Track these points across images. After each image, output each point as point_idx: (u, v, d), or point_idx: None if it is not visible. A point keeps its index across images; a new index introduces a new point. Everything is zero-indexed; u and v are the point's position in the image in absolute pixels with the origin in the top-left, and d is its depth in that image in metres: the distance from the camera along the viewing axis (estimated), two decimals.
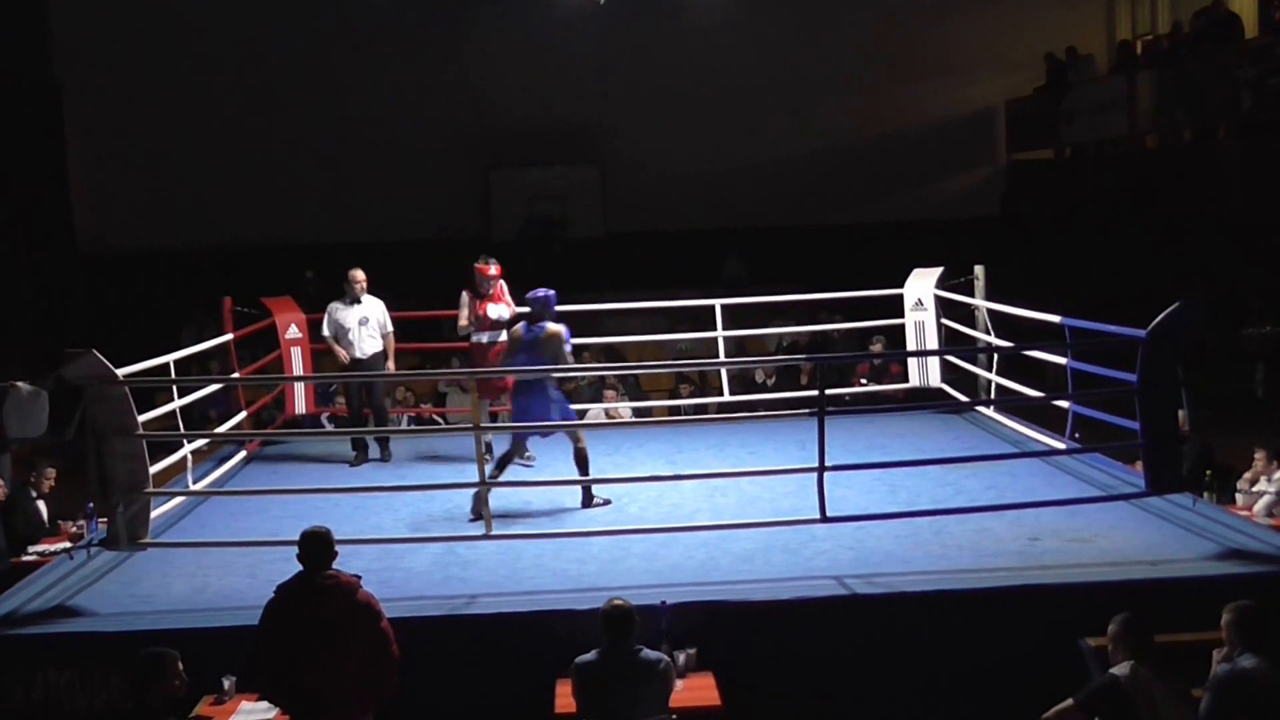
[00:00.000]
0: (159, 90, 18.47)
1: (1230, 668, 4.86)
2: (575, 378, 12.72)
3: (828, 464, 6.78)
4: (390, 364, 9.74)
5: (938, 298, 10.44)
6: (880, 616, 6.20)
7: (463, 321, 9.37)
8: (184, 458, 8.24)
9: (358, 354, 9.50)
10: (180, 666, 5.04)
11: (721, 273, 18.12)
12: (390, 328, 9.72)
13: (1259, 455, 8.63)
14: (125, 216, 18.32)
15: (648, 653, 5.30)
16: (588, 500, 8.06)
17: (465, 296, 9.36)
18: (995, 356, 9.94)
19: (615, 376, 12.09)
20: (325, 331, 9.62)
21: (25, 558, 8.42)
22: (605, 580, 6.47)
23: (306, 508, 7.86)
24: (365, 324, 9.55)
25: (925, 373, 10.72)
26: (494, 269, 9.33)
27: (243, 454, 9.73)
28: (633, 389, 12.70)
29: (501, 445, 8.54)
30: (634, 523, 7.64)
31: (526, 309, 8.31)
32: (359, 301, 9.59)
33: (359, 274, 9.67)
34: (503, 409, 9.24)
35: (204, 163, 18.61)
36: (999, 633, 6.14)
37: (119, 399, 6.67)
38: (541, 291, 8.18)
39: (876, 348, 11.91)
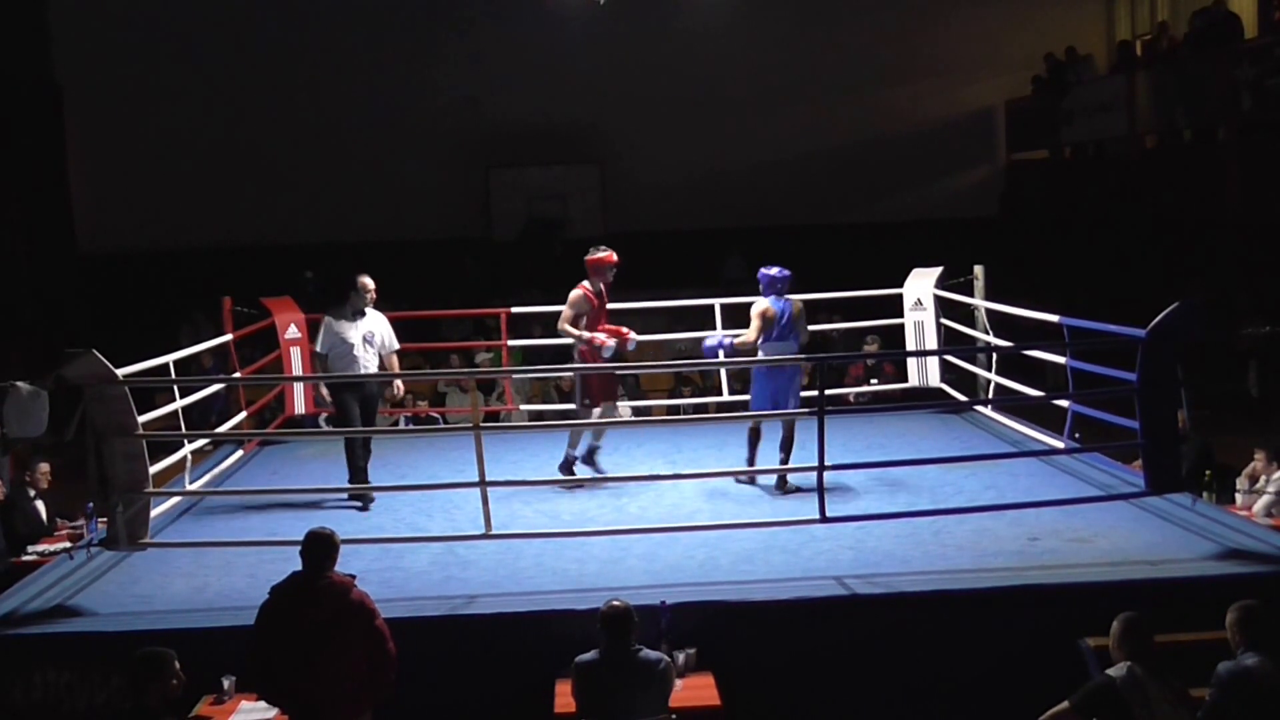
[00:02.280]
0: (158, 91, 18.47)
1: (1233, 665, 4.88)
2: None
3: (827, 463, 6.78)
4: (397, 385, 8.78)
5: (937, 297, 10.44)
6: (880, 616, 6.20)
7: (577, 331, 8.24)
8: (184, 458, 8.24)
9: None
10: (177, 665, 5.04)
11: (721, 273, 18.12)
12: (396, 345, 8.59)
13: (1259, 455, 8.62)
14: (125, 216, 18.31)
15: (647, 653, 5.31)
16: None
17: (581, 293, 8.30)
18: (995, 356, 9.94)
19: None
20: (320, 348, 8.33)
21: (25, 558, 8.42)
22: (605, 580, 6.47)
23: (305, 507, 7.87)
24: (370, 341, 8.34)
25: (925, 373, 10.72)
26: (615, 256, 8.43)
27: (241, 453, 9.73)
28: (632, 389, 12.69)
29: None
30: (634, 523, 7.64)
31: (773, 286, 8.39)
32: (363, 315, 8.34)
33: (370, 282, 8.32)
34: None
35: (204, 163, 18.61)
36: (999, 633, 6.14)
37: (119, 399, 6.67)
38: (784, 270, 8.42)
39: (872, 348, 11.91)
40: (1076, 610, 6.01)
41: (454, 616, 6.19)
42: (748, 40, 19.13)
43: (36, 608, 6.48)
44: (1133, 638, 4.96)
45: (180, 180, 18.57)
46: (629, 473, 8.71)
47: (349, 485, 8.28)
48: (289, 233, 18.34)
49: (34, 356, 13.59)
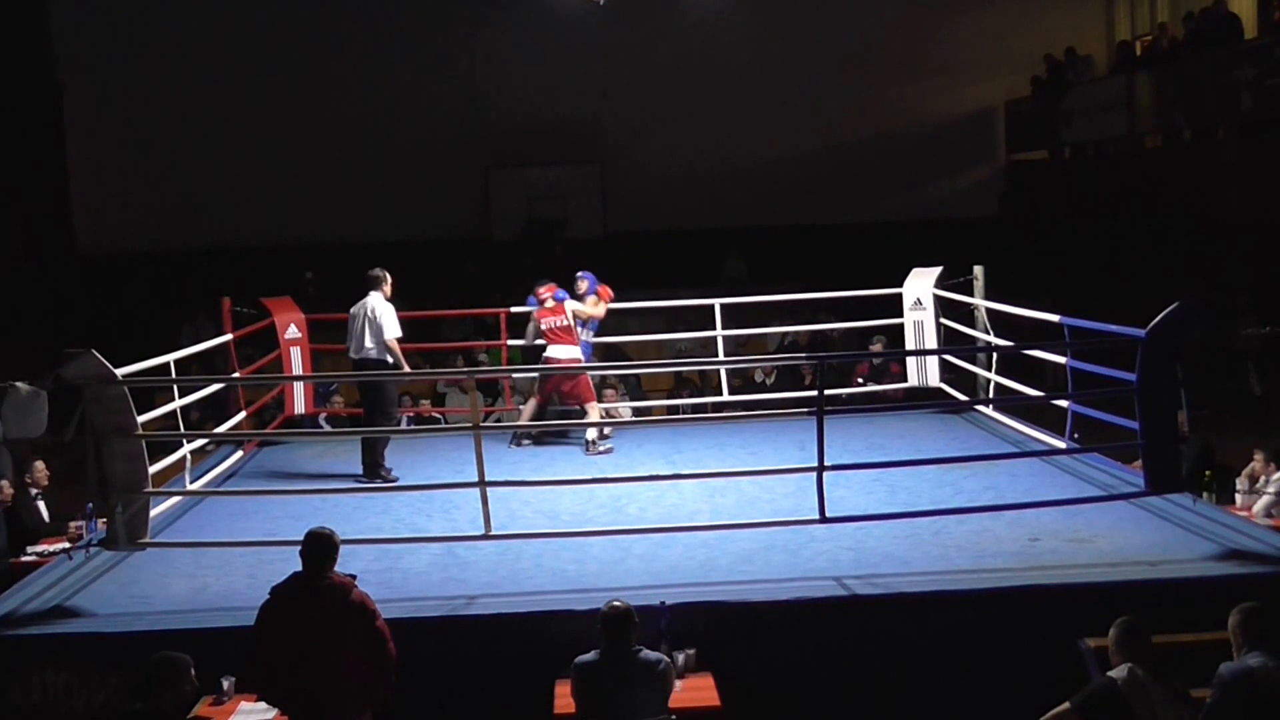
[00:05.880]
0: (159, 91, 18.48)
1: (1235, 666, 4.87)
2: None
3: (827, 464, 6.77)
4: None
5: (937, 297, 10.43)
6: (880, 617, 6.20)
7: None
8: (183, 458, 8.24)
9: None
10: (193, 673, 5.03)
11: (721, 273, 18.12)
12: None
13: (1258, 455, 8.62)
14: (125, 217, 18.33)
15: (647, 653, 5.30)
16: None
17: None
18: (995, 356, 9.94)
19: (615, 376, 12.07)
20: (398, 333, 9.03)
21: (25, 558, 8.41)
22: (604, 581, 6.47)
23: (305, 508, 7.86)
24: None
25: (924, 373, 10.71)
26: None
27: (240, 454, 9.73)
28: (632, 389, 12.68)
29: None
30: (633, 523, 7.63)
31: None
32: None
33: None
34: None
35: (204, 163, 18.62)
36: (999, 633, 6.13)
37: (118, 399, 6.66)
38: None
39: (876, 348, 11.90)
40: (1076, 610, 6.01)
41: (454, 617, 6.18)
42: (747, 40, 19.15)
43: (36, 608, 6.47)
44: (1132, 641, 4.95)
45: (180, 180, 18.58)
46: (629, 473, 8.70)
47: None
48: (289, 233, 18.35)
49: (34, 356, 13.58)
